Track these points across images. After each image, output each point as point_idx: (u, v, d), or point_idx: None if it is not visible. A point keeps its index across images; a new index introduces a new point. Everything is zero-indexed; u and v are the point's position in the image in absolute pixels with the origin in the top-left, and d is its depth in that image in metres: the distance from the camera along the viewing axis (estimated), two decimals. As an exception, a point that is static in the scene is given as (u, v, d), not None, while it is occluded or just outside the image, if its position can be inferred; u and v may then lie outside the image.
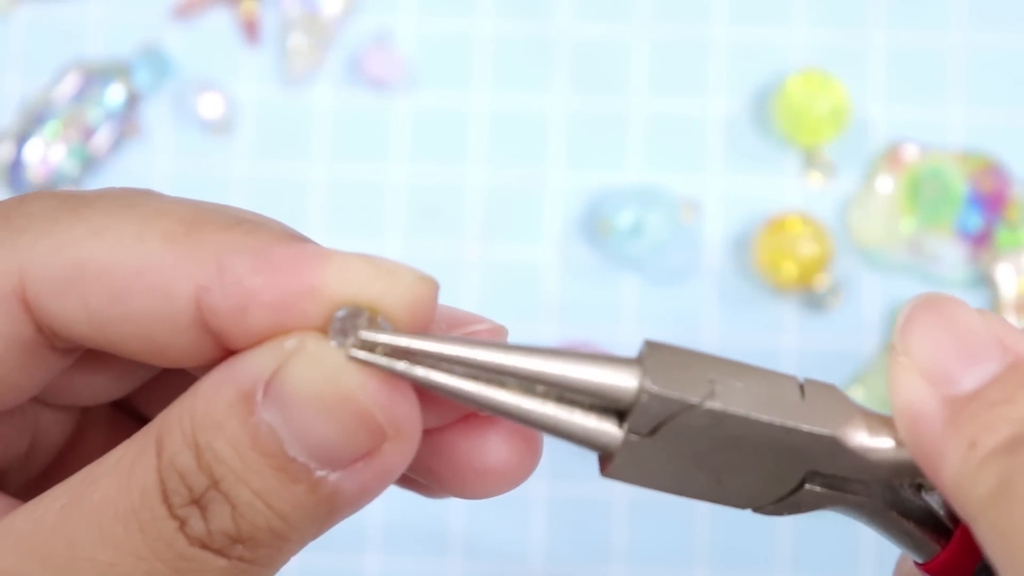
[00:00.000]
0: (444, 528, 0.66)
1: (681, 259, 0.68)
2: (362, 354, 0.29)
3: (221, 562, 0.29)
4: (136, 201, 0.30)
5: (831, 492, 0.32)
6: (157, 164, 0.70)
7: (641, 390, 0.30)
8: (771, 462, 0.31)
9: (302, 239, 0.30)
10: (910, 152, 0.68)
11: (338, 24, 0.71)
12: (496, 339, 0.32)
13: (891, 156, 0.68)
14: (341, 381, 0.29)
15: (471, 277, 0.69)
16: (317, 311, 0.29)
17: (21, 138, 0.70)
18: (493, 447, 0.32)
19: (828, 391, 0.32)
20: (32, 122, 0.70)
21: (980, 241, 0.67)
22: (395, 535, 0.66)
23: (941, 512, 0.33)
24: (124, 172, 0.70)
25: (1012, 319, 0.67)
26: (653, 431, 0.30)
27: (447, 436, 0.32)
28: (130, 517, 0.29)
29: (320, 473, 0.29)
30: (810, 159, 0.69)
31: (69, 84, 0.70)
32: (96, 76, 0.70)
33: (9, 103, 0.71)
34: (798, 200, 0.69)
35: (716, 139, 0.70)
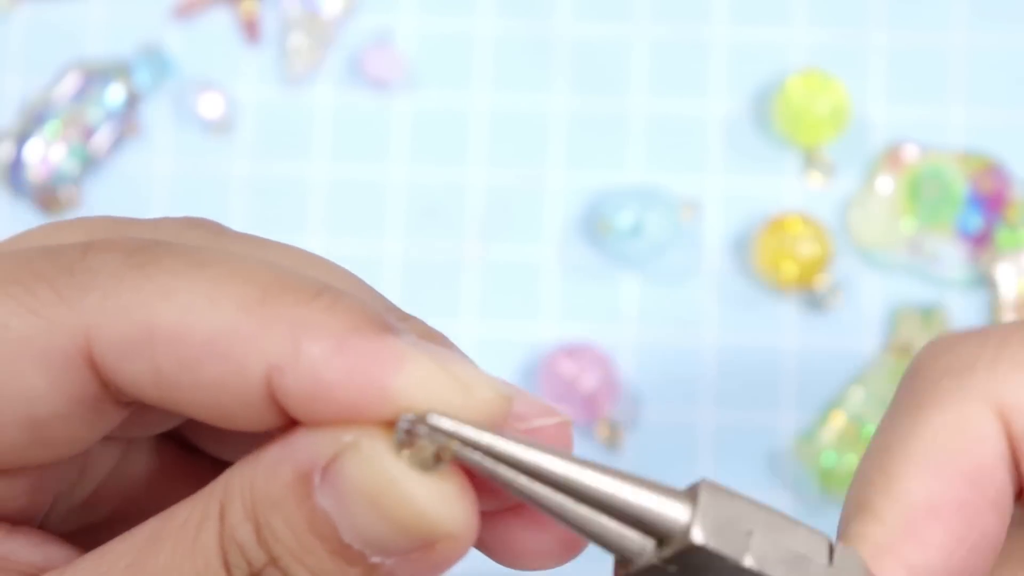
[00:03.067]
0: (444, 528, 0.66)
1: (681, 259, 0.68)
2: (461, 450, 0.29)
3: None
4: (207, 259, 0.30)
5: None
6: (157, 164, 0.70)
7: (689, 544, 0.30)
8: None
9: (382, 325, 0.29)
10: (910, 152, 0.68)
11: (338, 24, 0.71)
12: (558, 446, 0.31)
13: (891, 156, 0.68)
14: (393, 485, 0.28)
15: (471, 277, 0.69)
16: (387, 413, 0.28)
17: (21, 138, 0.70)
18: (548, 528, 0.32)
19: (853, 559, 0.31)
20: (32, 122, 0.70)
21: (980, 241, 0.67)
22: (395, 535, 0.66)
23: None
24: (124, 172, 0.70)
25: (1012, 319, 0.67)
26: (682, 572, 0.30)
27: (506, 518, 0.31)
28: None
29: (375, 560, 0.29)
30: (810, 159, 0.69)
31: (69, 84, 0.70)
32: (96, 76, 0.70)
33: (9, 103, 0.71)
34: (798, 200, 0.69)
35: (716, 139, 0.70)
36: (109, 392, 0.30)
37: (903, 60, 0.70)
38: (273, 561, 0.29)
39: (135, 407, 0.31)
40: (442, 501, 0.29)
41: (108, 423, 0.31)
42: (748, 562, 0.30)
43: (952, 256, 0.67)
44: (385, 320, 0.29)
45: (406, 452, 0.28)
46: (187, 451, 0.35)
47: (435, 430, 0.28)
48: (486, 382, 0.29)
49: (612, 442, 0.66)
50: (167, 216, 0.34)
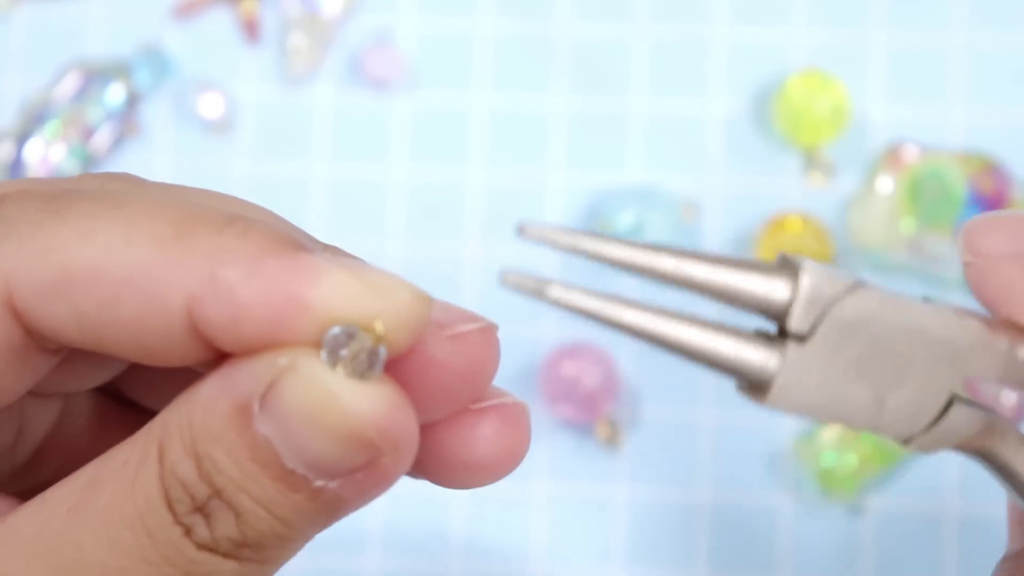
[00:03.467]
0: (444, 528, 0.66)
1: (681, 259, 0.68)
2: (522, 279, 0.28)
3: (230, 564, 0.29)
4: (122, 200, 0.30)
5: (976, 415, 0.31)
6: (157, 164, 0.70)
7: (802, 271, 0.30)
8: (925, 365, 0.30)
9: (295, 245, 0.30)
10: (910, 152, 0.68)
11: (338, 24, 0.71)
12: (643, 242, 0.31)
13: (891, 156, 0.68)
14: (333, 403, 0.28)
15: (471, 277, 0.69)
16: (309, 328, 0.29)
17: (21, 138, 0.70)
18: (483, 440, 0.32)
19: (951, 304, 0.31)
20: (32, 122, 0.70)
21: (980, 241, 0.67)
22: (395, 535, 0.66)
23: None
24: (124, 172, 0.70)
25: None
26: (811, 330, 0.30)
27: (436, 430, 0.32)
28: (137, 523, 0.29)
29: (319, 483, 0.29)
30: (810, 159, 0.69)
31: (69, 84, 0.70)
32: (96, 76, 0.70)
33: (9, 103, 0.71)
34: (798, 200, 0.69)
35: (716, 139, 0.70)
36: (33, 339, 0.30)
37: (903, 60, 0.70)
38: (216, 493, 0.29)
39: (63, 355, 0.31)
40: (382, 407, 0.29)
41: (36, 371, 0.31)
42: (867, 287, 0.30)
43: (952, 256, 0.67)
44: (297, 240, 0.30)
45: (339, 366, 0.29)
46: (126, 406, 0.36)
47: (362, 343, 0.28)
48: (403, 285, 0.29)
49: (612, 442, 0.66)
50: (88, 172, 0.34)
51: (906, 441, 0.31)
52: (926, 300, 0.31)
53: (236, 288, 0.29)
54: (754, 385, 0.31)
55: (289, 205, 0.70)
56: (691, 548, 0.66)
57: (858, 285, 0.30)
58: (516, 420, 0.32)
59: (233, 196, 0.33)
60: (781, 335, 0.30)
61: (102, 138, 0.70)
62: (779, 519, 0.65)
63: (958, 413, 0.31)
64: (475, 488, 0.32)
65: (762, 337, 0.30)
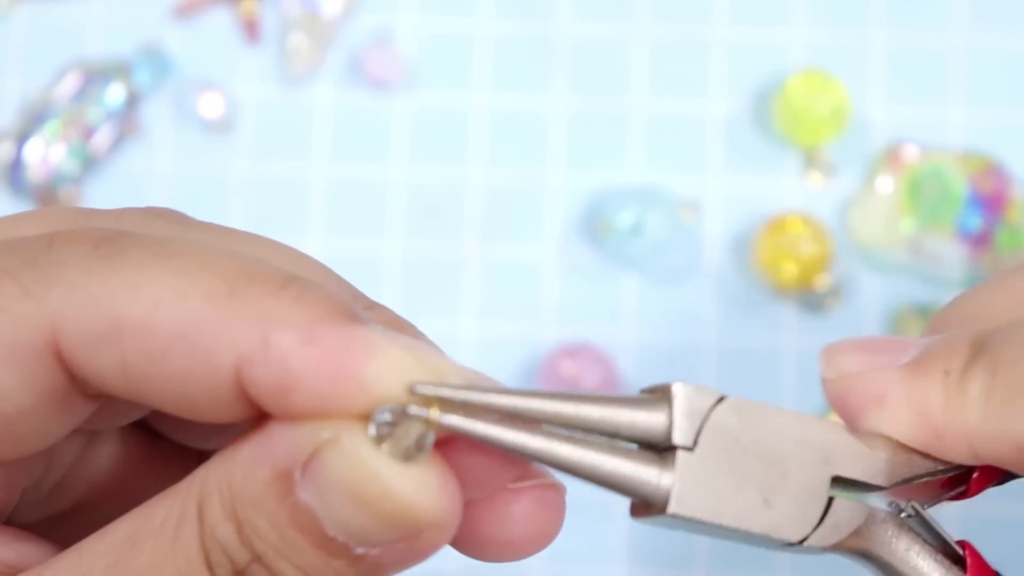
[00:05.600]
0: (444, 528, 0.66)
1: (681, 259, 0.68)
2: (443, 418, 0.29)
3: None
4: (174, 249, 0.29)
5: (859, 506, 0.33)
6: (157, 164, 0.70)
7: (672, 390, 0.31)
8: (800, 466, 0.32)
9: (351, 315, 0.29)
10: (910, 152, 0.68)
11: (338, 24, 0.71)
12: (529, 390, 0.32)
13: (891, 156, 0.68)
14: (377, 483, 0.28)
15: (471, 277, 0.69)
16: (360, 403, 0.28)
17: (21, 138, 0.70)
18: (517, 521, 0.32)
19: (816, 415, 0.33)
20: (32, 122, 0.70)
21: (980, 242, 0.67)
22: (395, 535, 0.66)
23: (949, 538, 0.34)
24: (124, 172, 0.70)
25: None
26: (695, 441, 0.31)
27: (471, 507, 0.31)
28: None
29: (360, 550, 0.29)
30: (810, 159, 0.69)
31: (69, 84, 0.70)
32: (96, 76, 0.70)
33: (9, 103, 0.71)
34: (798, 200, 0.69)
35: (716, 139, 0.70)
36: (77, 385, 0.30)
37: (903, 60, 0.70)
38: (257, 558, 0.29)
39: (103, 400, 0.31)
40: (426, 490, 0.28)
41: (77, 417, 0.31)
42: (733, 398, 0.32)
43: (952, 256, 0.67)
44: (353, 309, 0.29)
45: (385, 444, 0.28)
46: (151, 437, 0.35)
47: (432, 400, 0.29)
48: (456, 369, 0.30)
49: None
50: (130, 207, 0.33)
51: (801, 541, 0.33)
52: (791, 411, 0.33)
53: (289, 356, 0.28)
54: (646, 503, 0.32)
55: (289, 205, 0.70)
56: (691, 548, 0.66)
57: (723, 398, 0.32)
58: (551, 502, 0.32)
59: (284, 246, 0.33)
60: (666, 451, 0.31)
61: (102, 138, 0.70)
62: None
63: (840, 507, 0.33)
64: (504, 562, 0.32)
65: (649, 454, 0.31)
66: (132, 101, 0.70)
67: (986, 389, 0.32)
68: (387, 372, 0.28)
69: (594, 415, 0.31)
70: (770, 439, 0.32)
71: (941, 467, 0.34)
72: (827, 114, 0.68)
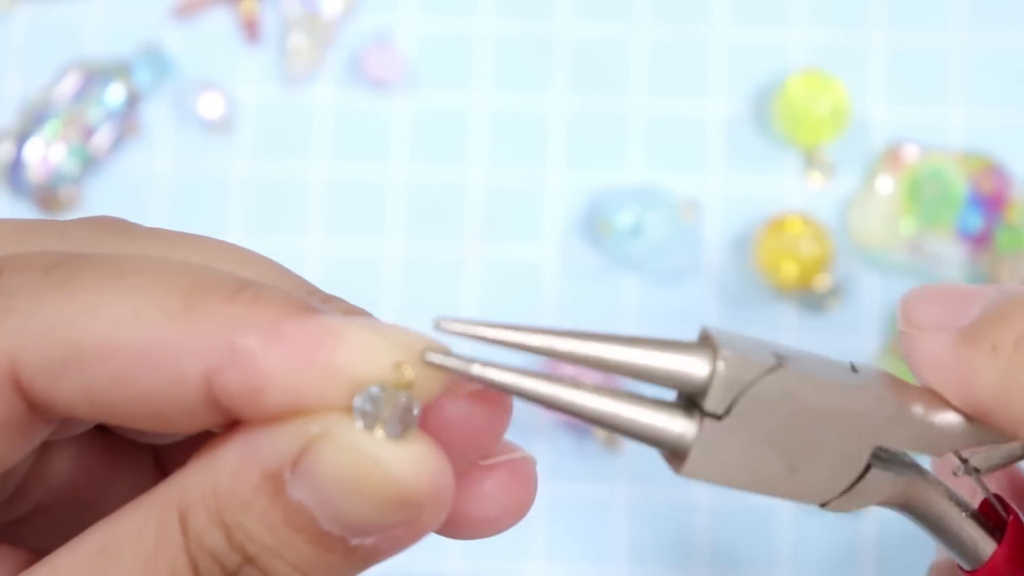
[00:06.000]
0: (444, 528, 0.66)
1: (681, 259, 0.68)
2: (445, 359, 0.29)
3: None
4: (126, 269, 0.29)
5: (896, 476, 0.32)
6: (157, 164, 0.70)
7: (720, 359, 0.30)
8: (841, 437, 0.31)
9: (308, 308, 0.29)
10: (910, 152, 0.68)
11: (338, 24, 0.71)
12: (563, 329, 0.31)
13: (891, 156, 0.68)
14: (377, 469, 0.28)
15: (471, 277, 0.69)
16: (336, 391, 0.28)
17: (21, 138, 0.70)
18: (490, 497, 0.32)
19: (879, 371, 0.33)
20: (32, 122, 0.70)
21: (980, 242, 0.67)
22: (395, 535, 0.66)
23: (995, 504, 0.34)
24: (124, 172, 0.70)
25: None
26: (728, 410, 0.30)
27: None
28: None
29: (355, 542, 0.29)
30: (810, 159, 0.69)
31: (69, 84, 0.70)
32: (96, 76, 0.70)
33: (9, 103, 0.71)
34: (798, 200, 0.69)
35: (716, 139, 0.70)
36: (37, 412, 0.30)
37: (903, 60, 0.70)
38: (249, 561, 0.29)
39: (62, 420, 0.31)
40: (424, 465, 0.28)
41: (36, 440, 0.31)
42: (784, 370, 0.30)
43: (952, 256, 0.67)
44: (310, 303, 0.29)
45: (376, 428, 0.28)
46: (105, 435, 0.35)
47: (396, 400, 0.28)
48: (422, 340, 0.29)
49: (611, 442, 0.66)
50: (73, 219, 0.33)
51: (823, 504, 0.32)
52: (853, 369, 0.32)
53: (257, 356, 0.28)
54: (674, 453, 0.31)
55: (289, 205, 0.70)
56: (691, 548, 0.66)
57: (778, 365, 0.31)
58: (523, 476, 0.32)
59: (234, 246, 0.32)
60: (699, 407, 0.31)
61: (102, 138, 0.70)
62: (779, 519, 0.65)
63: (876, 477, 0.32)
64: (480, 539, 0.32)
65: (680, 407, 0.31)
66: (132, 101, 0.70)
67: None
68: (357, 355, 0.28)
69: (630, 358, 0.30)
70: (814, 411, 0.31)
71: (997, 461, 0.33)
72: (827, 114, 0.68)
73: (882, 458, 0.32)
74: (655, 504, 0.66)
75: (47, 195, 0.69)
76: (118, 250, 0.32)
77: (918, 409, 0.32)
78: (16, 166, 0.69)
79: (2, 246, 0.32)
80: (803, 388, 0.31)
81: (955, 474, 0.34)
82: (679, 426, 0.31)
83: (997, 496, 0.34)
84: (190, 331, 0.28)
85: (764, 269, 0.67)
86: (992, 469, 0.34)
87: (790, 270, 0.67)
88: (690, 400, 0.31)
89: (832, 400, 0.31)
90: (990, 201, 0.67)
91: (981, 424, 0.32)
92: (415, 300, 0.69)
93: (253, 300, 0.29)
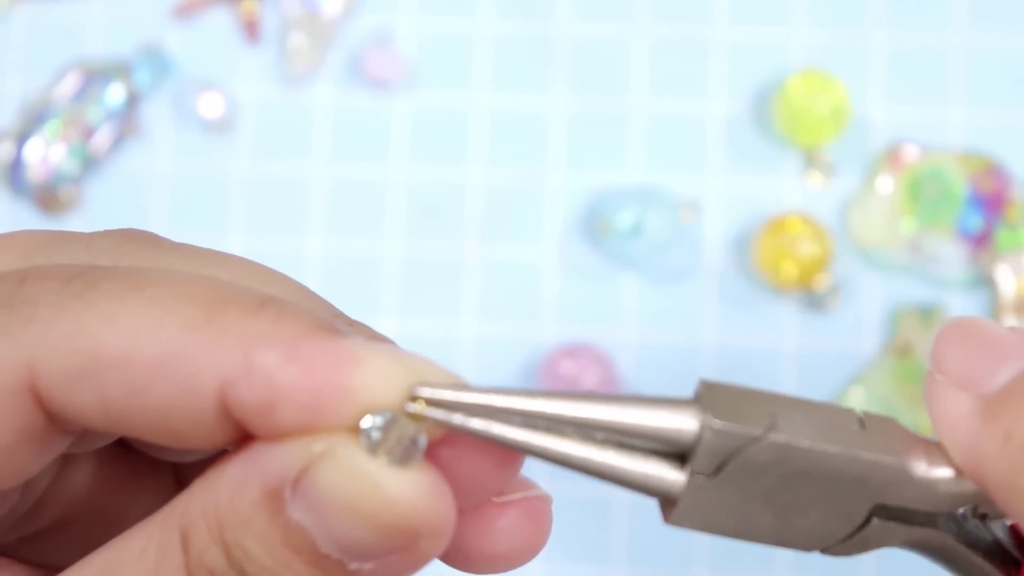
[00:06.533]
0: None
1: (681, 259, 0.68)
2: (432, 411, 0.28)
3: None
4: (147, 280, 0.29)
5: (899, 526, 0.32)
6: (157, 164, 0.70)
7: (704, 427, 0.30)
8: (838, 497, 0.31)
9: (330, 329, 0.29)
10: (910, 152, 0.68)
11: (338, 24, 0.71)
12: (552, 391, 0.31)
13: (891, 156, 0.68)
14: (376, 492, 0.28)
15: (471, 277, 0.69)
16: (348, 413, 0.28)
17: (21, 138, 0.70)
18: (504, 534, 0.31)
19: (887, 422, 0.31)
20: (32, 122, 0.70)
21: (980, 242, 0.67)
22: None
23: (1008, 542, 0.33)
24: (124, 172, 0.70)
25: (1012, 320, 0.67)
26: (717, 470, 0.30)
27: (461, 523, 0.31)
28: None
29: (354, 565, 0.29)
30: (810, 159, 0.69)
31: (69, 84, 0.70)
32: (96, 76, 0.70)
33: (9, 103, 0.71)
34: (798, 200, 0.69)
35: (716, 139, 0.70)
36: (55, 423, 0.30)
37: (903, 60, 0.70)
38: None
39: (81, 431, 0.31)
40: (425, 494, 0.28)
41: (55, 450, 0.31)
42: (777, 436, 0.29)
43: (952, 256, 0.67)
44: (331, 324, 0.29)
45: (380, 452, 0.28)
46: (125, 451, 0.35)
47: (432, 403, 0.28)
48: (440, 372, 0.29)
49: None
50: (100, 231, 0.33)
51: (822, 550, 0.31)
52: (860, 423, 0.31)
53: (273, 372, 0.28)
54: (667, 501, 0.31)
55: (289, 205, 0.70)
56: (691, 548, 0.66)
57: (771, 429, 0.30)
58: (538, 514, 0.32)
59: (260, 265, 0.32)
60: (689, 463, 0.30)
61: (102, 138, 0.70)
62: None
63: (878, 527, 0.31)
64: (492, 575, 0.32)
65: (672, 458, 0.30)
66: (132, 101, 0.70)
67: None
68: (374, 380, 0.28)
69: (615, 418, 0.30)
70: (807, 474, 0.30)
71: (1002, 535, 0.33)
72: (827, 114, 0.68)
73: (883, 514, 0.32)
74: (655, 504, 0.66)
75: (47, 195, 0.69)
76: (144, 263, 0.32)
77: (921, 468, 0.31)
78: (16, 166, 0.69)
79: (28, 257, 0.32)
80: (796, 455, 0.30)
81: (961, 519, 0.33)
82: (670, 477, 0.30)
83: (1014, 529, 0.33)
84: (209, 343, 0.28)
85: (764, 269, 0.67)
86: (998, 515, 0.33)
87: (790, 270, 0.67)
88: (681, 456, 0.31)
89: (827, 465, 0.30)
90: (990, 201, 0.67)
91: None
92: (415, 300, 0.69)
93: (275, 316, 0.29)
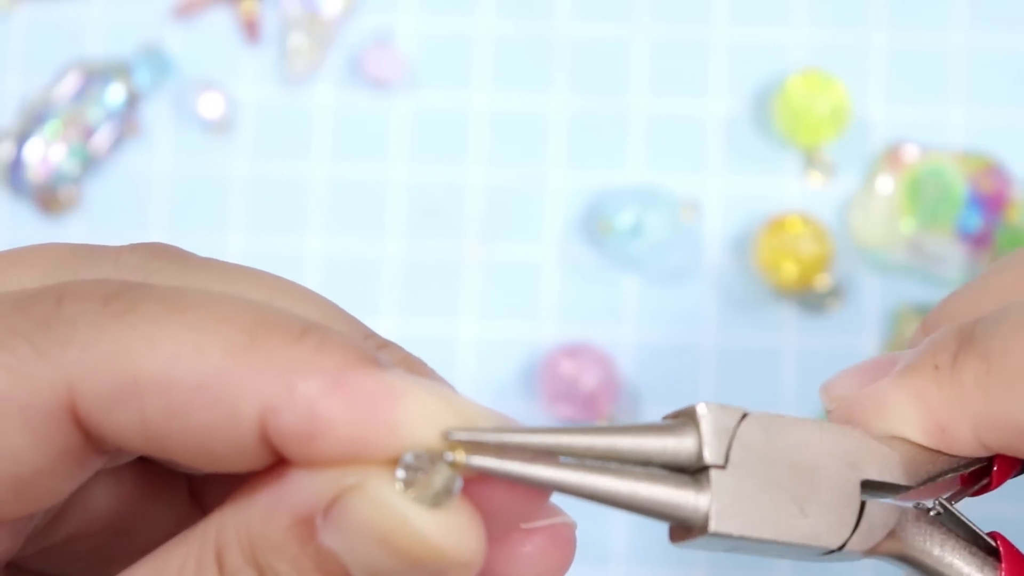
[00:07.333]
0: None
1: (681, 259, 0.68)
2: (471, 461, 0.29)
3: None
4: (188, 303, 0.29)
5: (892, 506, 0.33)
6: (157, 164, 0.70)
7: (701, 414, 0.32)
8: (827, 473, 0.33)
9: (372, 361, 0.29)
10: (910, 152, 0.68)
11: (338, 24, 0.71)
12: (578, 426, 0.32)
13: (891, 156, 0.68)
14: (407, 528, 0.28)
15: (471, 277, 0.69)
16: (388, 448, 0.28)
17: (21, 138, 0.70)
18: (529, 559, 0.32)
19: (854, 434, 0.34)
20: (32, 122, 0.70)
21: (980, 242, 0.67)
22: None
23: (980, 531, 0.35)
24: (124, 172, 0.70)
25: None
26: (726, 459, 0.32)
27: (487, 550, 0.31)
28: None
29: None
30: (810, 159, 0.69)
31: (69, 84, 0.70)
32: (96, 76, 0.70)
33: (9, 103, 0.71)
34: (798, 200, 0.69)
35: (716, 139, 0.70)
36: (93, 443, 0.30)
37: (903, 60, 0.70)
38: None
39: (117, 452, 0.31)
40: (456, 534, 0.29)
41: (90, 471, 0.31)
42: (757, 413, 0.32)
43: (952, 256, 0.67)
44: (374, 355, 0.29)
45: (411, 489, 0.28)
46: (142, 463, 0.35)
47: (459, 444, 0.29)
48: (484, 412, 0.29)
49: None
50: (127, 245, 0.33)
51: (841, 547, 0.33)
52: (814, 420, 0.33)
53: (316, 403, 0.28)
54: (686, 526, 0.33)
55: (289, 205, 0.70)
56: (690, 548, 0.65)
57: (746, 414, 0.32)
58: (563, 541, 0.32)
59: (290, 283, 0.32)
60: (698, 472, 0.32)
61: (102, 138, 0.70)
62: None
63: (873, 510, 0.33)
64: None
65: (683, 477, 0.32)
66: (132, 101, 0.70)
67: (979, 376, 0.33)
68: (417, 417, 0.28)
69: (625, 445, 0.31)
70: (796, 450, 0.32)
71: (960, 462, 0.34)
72: (827, 114, 0.68)
73: (872, 490, 0.33)
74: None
75: (47, 195, 0.69)
76: (175, 281, 0.32)
77: (888, 445, 0.34)
78: (16, 166, 0.69)
79: (56, 272, 0.32)
80: (779, 428, 0.32)
81: (932, 512, 0.34)
82: (690, 491, 0.32)
83: (994, 533, 0.35)
84: (251, 369, 0.28)
85: (764, 269, 0.67)
86: (956, 496, 0.35)
87: (790, 270, 0.67)
88: (688, 473, 0.32)
89: (808, 437, 0.33)
90: (990, 201, 0.67)
91: (940, 451, 0.34)
92: (415, 300, 0.69)
93: (318, 345, 0.29)
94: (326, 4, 0.71)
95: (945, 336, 0.34)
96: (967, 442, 0.33)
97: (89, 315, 0.29)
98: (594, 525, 0.66)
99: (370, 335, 0.32)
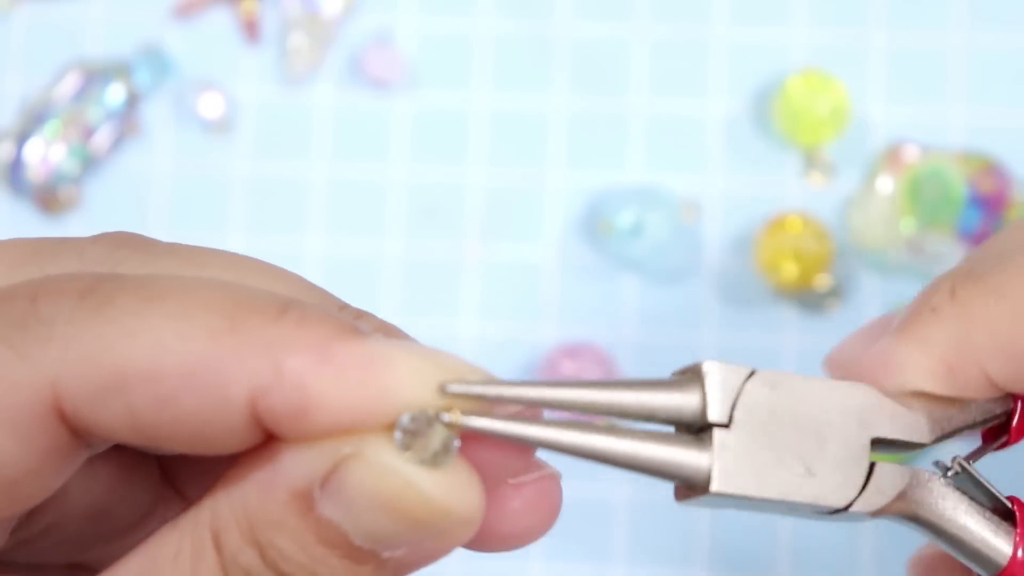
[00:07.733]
0: (444, 528, 0.66)
1: (681, 259, 0.68)
2: (468, 420, 0.29)
3: None
4: (165, 291, 0.29)
5: (902, 468, 0.33)
6: (157, 164, 0.70)
7: (706, 370, 0.32)
8: (835, 430, 0.32)
9: (355, 331, 0.29)
10: (910, 152, 0.68)
11: (338, 24, 0.71)
12: (575, 380, 0.32)
13: (891, 156, 0.68)
14: (409, 489, 0.28)
15: (471, 277, 0.69)
16: (383, 415, 0.28)
17: (21, 138, 0.70)
18: (518, 514, 0.32)
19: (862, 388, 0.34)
20: (32, 122, 0.70)
21: (980, 242, 0.67)
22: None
23: (998, 492, 0.34)
24: (124, 172, 0.70)
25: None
26: (730, 418, 0.31)
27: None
28: None
29: (387, 554, 0.29)
30: (810, 159, 0.69)
31: (69, 84, 0.70)
32: (96, 76, 0.70)
33: (9, 103, 0.71)
34: (798, 200, 0.69)
35: (716, 139, 0.70)
36: (79, 439, 0.30)
37: (903, 60, 0.70)
38: None
39: (103, 444, 0.31)
40: (458, 491, 0.29)
41: (76, 465, 0.31)
42: (765, 371, 0.32)
43: (952, 256, 0.67)
44: (353, 326, 0.29)
45: (410, 451, 0.29)
46: (116, 449, 0.35)
47: (456, 401, 0.29)
48: (471, 368, 0.29)
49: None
50: (88, 237, 0.33)
51: (847, 507, 0.32)
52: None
53: (305, 378, 0.28)
54: (689, 485, 0.32)
55: (289, 205, 0.70)
56: (691, 548, 0.66)
57: (753, 372, 0.32)
58: (550, 494, 0.32)
59: (259, 261, 0.32)
60: (701, 431, 0.32)
61: (102, 138, 0.70)
62: (779, 519, 0.65)
63: (883, 471, 0.33)
64: (504, 552, 0.33)
65: (686, 436, 0.32)
66: (132, 101, 0.70)
67: (988, 308, 0.33)
68: (408, 379, 0.29)
69: (628, 400, 0.31)
70: (804, 408, 0.32)
71: (977, 416, 0.34)
72: (827, 114, 0.68)
73: (881, 447, 0.33)
74: (655, 504, 0.66)
75: (47, 195, 0.69)
76: (143, 269, 0.31)
77: (901, 403, 0.33)
78: (16, 166, 0.69)
79: (22, 269, 0.31)
80: (788, 386, 0.32)
81: (947, 475, 0.34)
82: (693, 450, 0.31)
83: (1013, 498, 0.34)
84: (236, 352, 0.28)
85: (764, 269, 0.67)
86: (975, 455, 0.35)
87: (790, 270, 0.67)
88: (691, 432, 0.32)
89: (817, 394, 0.32)
90: (990, 201, 0.67)
91: (952, 401, 0.34)
92: (415, 300, 0.69)
93: (298, 321, 0.29)
94: (326, 4, 0.71)
95: (936, 281, 0.34)
96: (976, 379, 0.33)
97: (66, 312, 0.29)
98: (594, 525, 0.66)
99: (344, 306, 0.32)
